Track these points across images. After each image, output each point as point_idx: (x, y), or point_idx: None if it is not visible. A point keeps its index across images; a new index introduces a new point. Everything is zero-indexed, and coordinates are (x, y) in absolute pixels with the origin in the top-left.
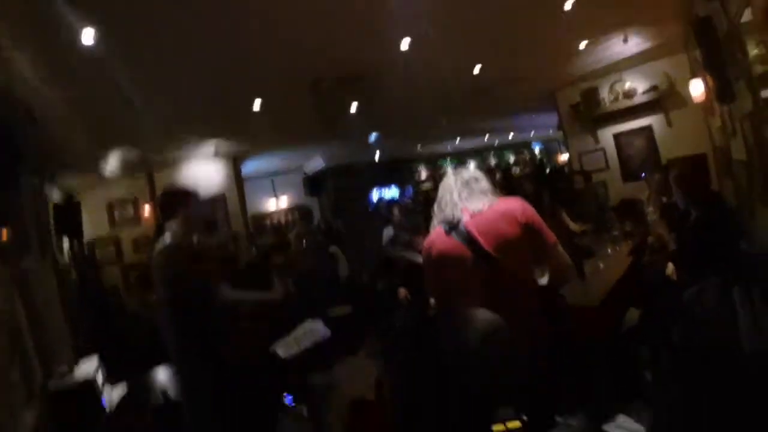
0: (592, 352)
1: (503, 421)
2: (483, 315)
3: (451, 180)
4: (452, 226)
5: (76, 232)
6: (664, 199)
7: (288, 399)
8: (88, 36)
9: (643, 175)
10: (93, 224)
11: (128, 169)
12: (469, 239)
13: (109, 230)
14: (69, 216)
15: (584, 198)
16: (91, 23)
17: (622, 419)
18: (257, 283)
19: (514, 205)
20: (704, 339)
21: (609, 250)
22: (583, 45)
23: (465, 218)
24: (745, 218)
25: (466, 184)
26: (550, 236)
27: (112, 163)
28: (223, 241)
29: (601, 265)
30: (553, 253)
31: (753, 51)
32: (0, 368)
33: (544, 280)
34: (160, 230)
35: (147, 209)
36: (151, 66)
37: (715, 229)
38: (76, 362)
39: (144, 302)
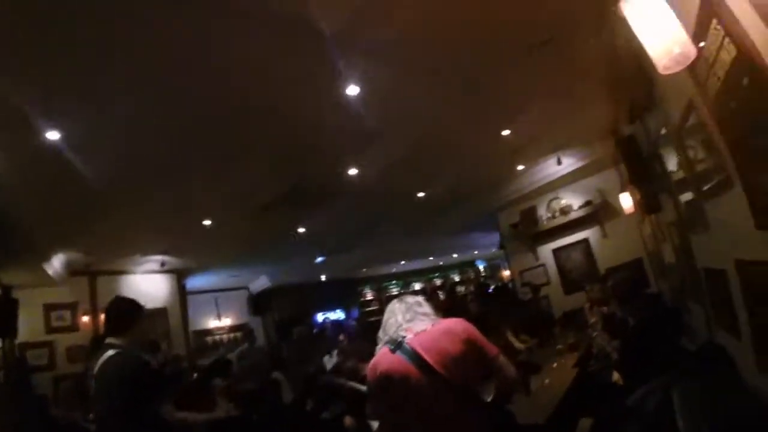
0: None
1: None
2: None
3: (395, 305)
4: (397, 345)
5: (10, 331)
6: (605, 309)
7: None
8: (51, 135)
9: (585, 288)
10: (28, 325)
11: (71, 271)
12: (413, 356)
13: (45, 334)
14: (6, 313)
15: (530, 312)
16: (54, 125)
17: None
18: (199, 403)
19: (455, 323)
20: None
21: (555, 364)
22: (520, 167)
23: (409, 337)
24: (684, 316)
25: (410, 308)
26: (492, 348)
27: (55, 264)
28: (164, 362)
29: (547, 380)
30: (496, 364)
31: (672, 166)
32: None
33: (489, 397)
34: (97, 343)
35: (85, 317)
36: (111, 176)
37: (653, 332)
38: None
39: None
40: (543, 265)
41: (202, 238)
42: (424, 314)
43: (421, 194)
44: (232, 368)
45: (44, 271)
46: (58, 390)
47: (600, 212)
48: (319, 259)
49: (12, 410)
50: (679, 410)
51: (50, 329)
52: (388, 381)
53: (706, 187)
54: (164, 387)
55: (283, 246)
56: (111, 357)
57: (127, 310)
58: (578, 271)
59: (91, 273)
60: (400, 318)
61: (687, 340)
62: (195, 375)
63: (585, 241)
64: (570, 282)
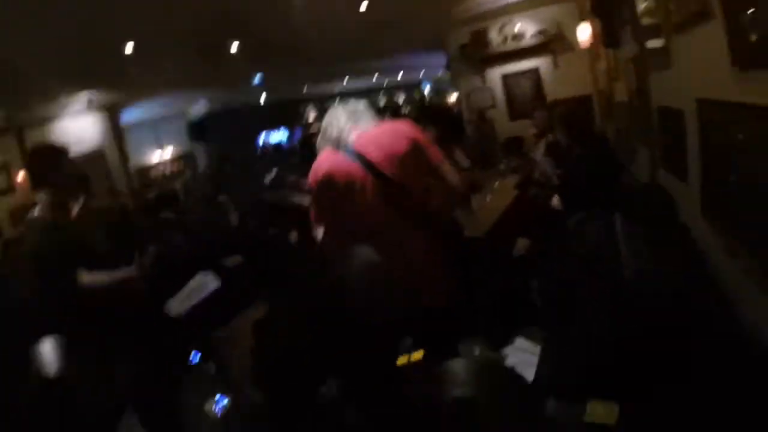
0: (485, 280)
1: (407, 353)
2: (360, 253)
3: (338, 110)
4: (340, 145)
5: None
6: (550, 137)
7: (195, 357)
8: None
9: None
10: None
11: None
12: (357, 155)
13: None
14: None
15: (474, 135)
16: None
17: (520, 341)
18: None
19: (400, 125)
20: (587, 263)
21: (496, 184)
22: None
23: (352, 136)
24: (625, 157)
25: (353, 113)
26: (437, 153)
27: None
28: (104, 204)
29: (488, 198)
30: (441, 168)
31: (642, 4)
32: None
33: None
34: (31, 200)
35: (21, 174)
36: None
37: (596, 164)
38: None
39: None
40: (490, 88)
41: (128, 66)
42: (368, 118)
43: (363, 7)
44: (177, 198)
45: None
46: (7, 256)
47: (554, 43)
48: (257, 79)
49: None
50: (622, 239)
51: None
52: (331, 181)
53: (676, 21)
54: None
55: (219, 66)
56: (26, 221)
57: (37, 160)
58: (525, 99)
59: (17, 128)
60: (343, 121)
61: (626, 179)
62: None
63: (535, 70)
64: (516, 108)
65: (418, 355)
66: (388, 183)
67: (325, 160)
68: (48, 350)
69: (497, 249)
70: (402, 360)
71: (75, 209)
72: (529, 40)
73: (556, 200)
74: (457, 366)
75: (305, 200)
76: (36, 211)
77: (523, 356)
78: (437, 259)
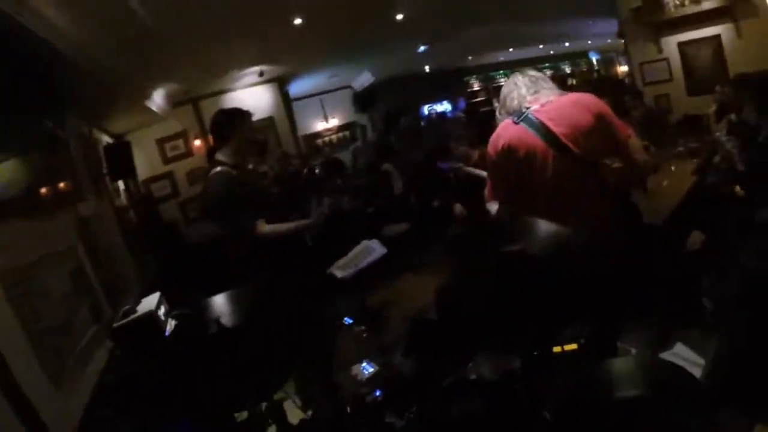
0: (653, 274)
1: (560, 343)
2: (548, 225)
3: (518, 77)
4: (521, 116)
5: (129, 172)
6: (733, 116)
7: (347, 320)
8: None
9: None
10: (146, 163)
11: (174, 103)
12: (540, 127)
13: (163, 166)
14: (121, 157)
15: (648, 110)
16: None
17: (680, 348)
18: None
19: (585, 96)
20: None
21: (672, 167)
22: None
23: (534, 107)
24: None
25: (534, 81)
26: (624, 128)
27: (157, 99)
28: (275, 167)
29: (665, 182)
30: (628, 144)
31: None
32: (68, 309)
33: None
34: (212, 157)
35: (197, 141)
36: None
37: None
38: (140, 299)
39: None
40: (666, 59)
41: (296, 39)
42: (549, 88)
43: None
44: (343, 165)
45: (148, 109)
46: (186, 214)
47: (737, 6)
48: (422, 48)
49: (148, 243)
50: None
51: (167, 160)
52: (512, 153)
53: None
54: (258, 202)
55: (383, 36)
56: (211, 176)
57: (223, 120)
58: (705, 71)
59: (193, 100)
60: (523, 90)
61: None
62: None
63: (717, 38)
64: (695, 82)
65: (572, 346)
66: (573, 157)
67: (505, 132)
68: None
69: (670, 240)
70: (556, 349)
71: (252, 167)
72: (709, 2)
73: (739, 190)
74: (620, 365)
75: (476, 171)
76: (219, 167)
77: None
78: (618, 241)
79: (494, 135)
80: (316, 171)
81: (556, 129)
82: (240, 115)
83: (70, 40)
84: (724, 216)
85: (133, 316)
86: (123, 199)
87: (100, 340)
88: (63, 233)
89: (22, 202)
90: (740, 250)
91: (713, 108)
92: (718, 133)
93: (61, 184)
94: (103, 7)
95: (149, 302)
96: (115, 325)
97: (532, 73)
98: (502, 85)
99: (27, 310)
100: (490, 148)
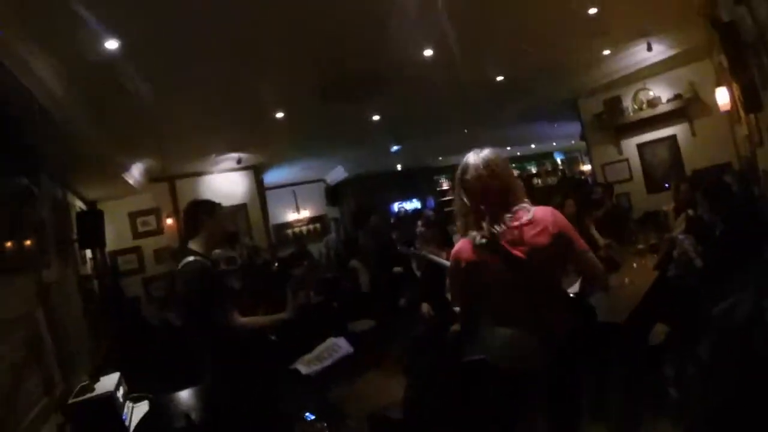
0: (617, 367)
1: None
2: (510, 333)
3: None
4: (481, 241)
5: (98, 242)
6: (690, 212)
7: (308, 416)
8: (110, 44)
9: (667, 185)
10: (116, 234)
11: (151, 178)
12: (500, 250)
13: (132, 241)
14: (92, 225)
15: (608, 210)
16: (112, 33)
17: None
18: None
19: (545, 213)
20: (735, 354)
21: (634, 264)
22: (606, 52)
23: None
24: None
25: None
26: (582, 243)
27: (135, 173)
28: (244, 255)
29: (627, 280)
30: (584, 258)
31: None
32: (16, 377)
33: (573, 289)
34: (183, 245)
35: (169, 219)
36: (175, 78)
37: (743, 241)
38: (97, 376)
39: (165, 316)
40: (626, 159)
41: (275, 131)
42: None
43: (499, 78)
44: (313, 258)
45: (125, 181)
46: (149, 291)
47: (691, 107)
48: (395, 148)
49: (108, 317)
50: None
51: (136, 235)
52: (471, 269)
53: None
54: (229, 294)
55: (358, 136)
56: (184, 265)
57: (197, 211)
58: (663, 170)
59: (170, 178)
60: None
61: None
62: (276, 266)
63: (672, 138)
64: (654, 180)
65: None
66: (531, 271)
67: (466, 249)
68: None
69: (633, 335)
70: None
71: (223, 256)
72: (664, 105)
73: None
74: None
75: (442, 261)
76: (191, 257)
77: None
78: (573, 341)
79: (455, 251)
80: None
81: (515, 251)
82: (212, 207)
83: (58, 102)
84: (685, 309)
85: (90, 395)
86: (88, 267)
87: (48, 413)
88: (22, 297)
89: None
90: (699, 345)
91: (671, 205)
92: (676, 230)
93: (27, 242)
94: (94, 76)
95: (108, 382)
96: (70, 400)
97: None
98: None
99: None
100: (452, 263)
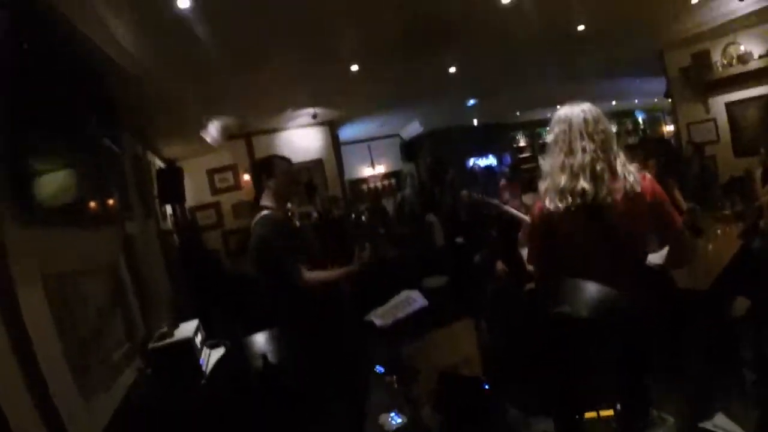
0: (695, 341)
1: (596, 408)
2: (596, 286)
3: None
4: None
5: (178, 198)
6: None
7: (379, 369)
8: (182, 2)
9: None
10: (194, 190)
11: (228, 136)
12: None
13: (210, 196)
14: (171, 181)
15: (692, 172)
16: None
17: (721, 419)
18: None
19: (644, 183)
20: None
21: (718, 231)
22: (694, 1)
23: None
24: None
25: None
26: (676, 219)
27: (212, 131)
28: (320, 206)
29: (710, 247)
30: (676, 236)
31: None
32: (103, 322)
33: (658, 258)
34: (256, 202)
35: (246, 176)
36: (251, 34)
37: None
38: (176, 323)
39: (242, 269)
40: (713, 119)
41: (351, 86)
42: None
43: (581, 27)
44: (387, 214)
45: (202, 139)
46: (228, 244)
47: None
48: (471, 102)
49: (188, 268)
50: None
51: (215, 191)
52: (556, 230)
53: None
54: (298, 248)
55: (434, 89)
56: (256, 220)
57: (256, 170)
58: (753, 132)
59: (246, 135)
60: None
61: None
62: (353, 217)
63: (765, 97)
64: (742, 143)
65: (607, 413)
66: (616, 239)
67: (549, 203)
68: (261, 343)
69: (714, 306)
70: (591, 414)
71: (299, 211)
72: (756, 62)
73: None
74: None
75: (521, 215)
76: (263, 211)
77: None
78: (655, 309)
79: (540, 209)
80: (363, 218)
81: (607, 218)
82: (269, 164)
83: (136, 62)
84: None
85: (170, 340)
86: (169, 223)
87: (131, 357)
88: (107, 248)
89: (71, 212)
90: None
91: (760, 170)
92: (763, 198)
93: (110, 200)
94: (172, 33)
95: (187, 328)
96: (151, 345)
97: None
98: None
99: (65, 317)
100: (536, 222)
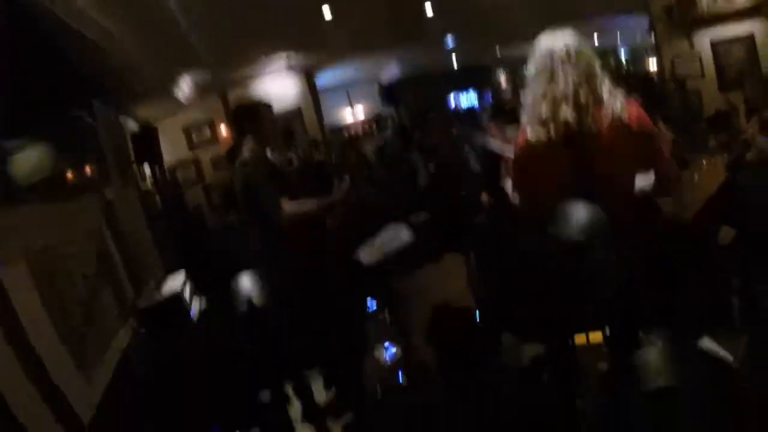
0: (680, 267)
1: (585, 332)
2: (587, 208)
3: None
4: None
5: (155, 158)
6: (765, 113)
7: (371, 304)
8: None
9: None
10: (172, 149)
11: (201, 91)
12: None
13: (189, 153)
14: (147, 143)
15: (675, 105)
16: None
17: (707, 342)
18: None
19: (630, 110)
20: None
21: (704, 162)
22: None
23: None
24: None
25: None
26: (660, 144)
27: (184, 87)
28: (301, 152)
29: (696, 177)
30: (663, 160)
31: None
32: (92, 291)
33: (644, 182)
34: (237, 147)
35: (223, 129)
36: None
37: None
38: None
39: (227, 219)
40: (698, 55)
41: (326, 30)
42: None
43: None
44: (367, 158)
45: (175, 98)
46: (210, 198)
47: None
48: (450, 42)
49: (171, 226)
50: None
51: (192, 146)
52: (541, 161)
53: None
54: (281, 185)
55: (412, 30)
56: (239, 161)
57: (241, 114)
58: (738, 69)
59: (221, 89)
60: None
61: None
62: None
63: (750, 37)
64: (727, 78)
65: (596, 336)
66: (603, 169)
67: (534, 134)
68: (246, 285)
69: (700, 235)
70: (580, 339)
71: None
72: (742, 1)
73: None
74: (653, 356)
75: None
76: (244, 152)
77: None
78: (638, 242)
79: (524, 140)
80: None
81: (593, 148)
82: (257, 108)
83: (99, 28)
84: (756, 216)
85: (158, 298)
86: (148, 184)
87: (122, 320)
88: (88, 216)
89: (49, 187)
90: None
91: (743, 106)
92: (748, 132)
93: (87, 169)
94: None
95: (174, 283)
96: (140, 305)
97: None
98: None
99: (52, 290)
100: (519, 153)
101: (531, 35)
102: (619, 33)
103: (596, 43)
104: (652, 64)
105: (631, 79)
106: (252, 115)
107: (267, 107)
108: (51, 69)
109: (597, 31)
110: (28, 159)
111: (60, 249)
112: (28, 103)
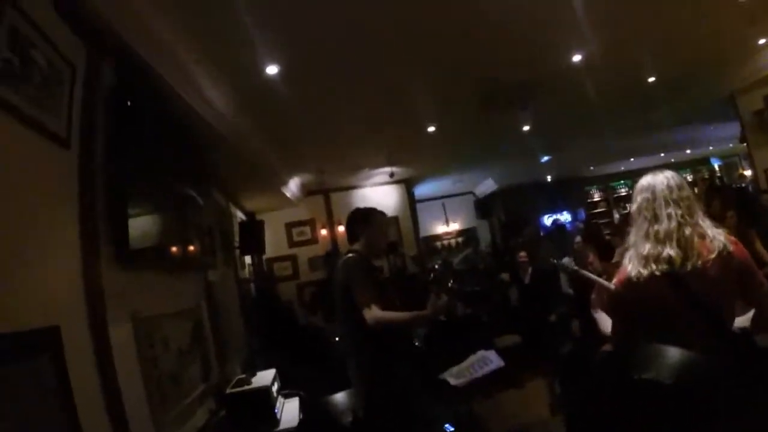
0: None
1: None
2: (680, 352)
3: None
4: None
5: (258, 249)
6: None
7: (448, 428)
8: (270, 69)
9: None
10: (273, 243)
11: (307, 192)
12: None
13: (288, 249)
14: (253, 233)
15: None
16: (272, 58)
17: None
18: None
19: (733, 249)
20: None
21: None
22: (761, 41)
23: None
24: None
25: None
26: (762, 280)
27: (292, 187)
28: (399, 263)
29: None
30: (763, 298)
31: None
32: (182, 364)
33: (744, 322)
34: (329, 257)
35: (323, 230)
36: (331, 98)
37: None
38: (248, 368)
39: (313, 319)
40: None
41: (428, 145)
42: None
43: (651, 79)
44: (460, 271)
45: (283, 195)
46: (302, 295)
47: None
48: (545, 159)
49: (263, 317)
50: None
51: (292, 243)
52: (640, 297)
53: None
54: (377, 287)
55: (508, 146)
56: (343, 259)
57: (356, 218)
58: None
59: (325, 191)
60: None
61: None
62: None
63: None
64: None
65: None
66: (702, 306)
67: (633, 270)
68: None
69: None
70: None
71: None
72: None
73: None
74: None
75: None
76: (350, 254)
77: None
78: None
79: (624, 277)
80: (435, 267)
81: (693, 285)
82: (369, 214)
83: (226, 123)
84: None
85: (249, 387)
86: (246, 272)
87: (205, 398)
88: (192, 293)
89: (157, 255)
90: None
91: None
92: None
93: (191, 247)
94: (258, 96)
95: (265, 377)
96: (229, 390)
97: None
98: (621, 195)
99: (149, 355)
100: (619, 289)
101: (626, 151)
102: (711, 142)
103: (688, 153)
104: (747, 172)
105: (726, 192)
106: (368, 218)
107: (382, 214)
108: (180, 150)
109: (689, 141)
110: (142, 226)
111: (164, 318)
112: (153, 177)
